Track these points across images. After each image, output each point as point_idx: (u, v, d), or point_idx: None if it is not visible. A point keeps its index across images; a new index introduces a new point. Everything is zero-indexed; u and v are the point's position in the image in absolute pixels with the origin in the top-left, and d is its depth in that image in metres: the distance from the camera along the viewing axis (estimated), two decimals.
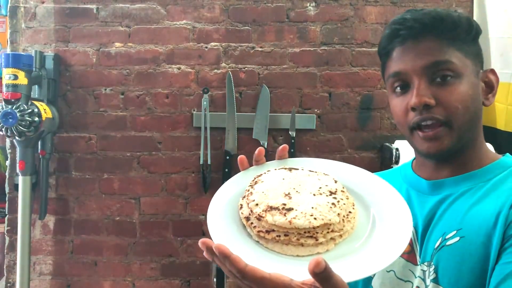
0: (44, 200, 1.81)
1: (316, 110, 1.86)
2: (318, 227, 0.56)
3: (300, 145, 1.84)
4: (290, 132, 1.83)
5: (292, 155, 1.81)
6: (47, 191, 1.84)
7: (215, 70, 1.86)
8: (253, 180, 0.66)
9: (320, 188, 0.63)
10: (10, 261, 1.86)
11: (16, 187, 1.79)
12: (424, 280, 0.72)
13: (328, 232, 0.57)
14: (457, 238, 0.69)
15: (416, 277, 0.74)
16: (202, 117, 1.83)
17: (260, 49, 1.86)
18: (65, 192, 1.88)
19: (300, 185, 0.63)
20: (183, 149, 1.87)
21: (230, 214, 0.62)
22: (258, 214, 0.58)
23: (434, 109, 0.71)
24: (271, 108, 1.84)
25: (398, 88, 0.76)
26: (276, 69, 1.85)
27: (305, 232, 0.56)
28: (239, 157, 0.71)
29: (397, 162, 1.69)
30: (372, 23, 1.85)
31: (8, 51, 1.86)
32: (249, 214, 0.60)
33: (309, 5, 1.85)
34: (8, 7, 1.86)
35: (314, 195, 0.61)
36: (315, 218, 0.56)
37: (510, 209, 0.66)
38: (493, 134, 1.71)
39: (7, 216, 1.86)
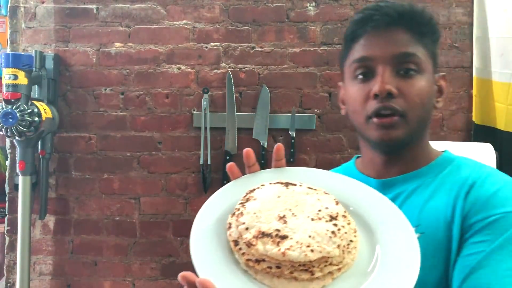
0: (44, 200, 1.81)
1: (316, 110, 1.86)
2: (314, 260, 0.50)
3: (300, 145, 1.84)
4: (290, 132, 1.83)
5: (292, 155, 1.81)
6: (47, 191, 1.84)
7: (215, 70, 1.86)
8: (245, 196, 0.59)
9: (319, 211, 0.56)
10: (10, 261, 1.86)
11: (16, 187, 1.79)
12: None
13: (325, 266, 0.51)
14: (417, 235, 0.67)
15: None
16: (202, 117, 1.83)
17: (260, 49, 1.86)
18: (65, 192, 1.88)
19: (297, 205, 0.57)
20: (183, 149, 1.87)
21: (216, 234, 0.56)
22: (249, 241, 0.52)
23: (395, 99, 0.71)
24: (271, 108, 1.84)
25: (360, 75, 0.75)
26: (276, 69, 1.85)
27: (299, 265, 0.50)
28: (228, 164, 0.65)
29: None
30: None
31: (8, 51, 1.86)
32: (238, 238, 0.53)
33: (309, 5, 1.85)
34: (8, 7, 1.86)
35: (312, 219, 0.55)
36: (311, 250, 0.50)
37: (464, 200, 0.67)
38: (493, 134, 1.71)
39: (7, 216, 1.86)
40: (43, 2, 1.87)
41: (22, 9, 1.87)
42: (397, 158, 0.76)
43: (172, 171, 1.87)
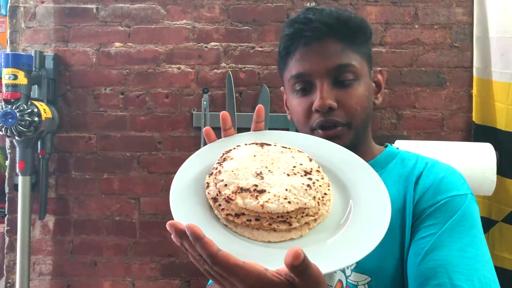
0: (44, 200, 1.81)
1: None
2: (292, 211, 0.52)
3: None
4: None
5: None
6: (47, 191, 1.84)
7: (215, 70, 1.86)
8: (221, 156, 0.61)
9: (294, 167, 0.59)
10: (10, 261, 1.86)
11: (16, 187, 1.79)
12: (343, 271, 0.74)
13: (302, 217, 0.53)
14: None
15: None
16: (202, 117, 1.83)
17: (260, 49, 1.86)
18: (65, 192, 1.88)
19: (273, 163, 0.59)
20: (183, 149, 1.87)
21: (195, 193, 0.57)
22: (228, 196, 0.53)
23: (336, 112, 0.74)
24: (271, 108, 1.84)
25: (300, 90, 0.77)
26: (276, 69, 1.85)
27: (278, 217, 0.52)
28: (205, 128, 0.68)
29: None
30: (372, 23, 1.85)
31: (8, 51, 1.86)
32: (217, 195, 0.55)
33: (309, 5, 1.85)
34: (8, 7, 1.86)
35: (288, 175, 0.57)
36: (289, 202, 0.52)
37: (414, 190, 0.73)
38: (493, 134, 1.71)
39: (7, 216, 1.86)
40: (43, 2, 1.87)
41: (22, 9, 1.87)
42: None
43: (172, 171, 1.86)
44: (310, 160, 0.61)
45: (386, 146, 0.86)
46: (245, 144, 0.64)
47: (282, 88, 0.89)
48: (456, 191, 0.71)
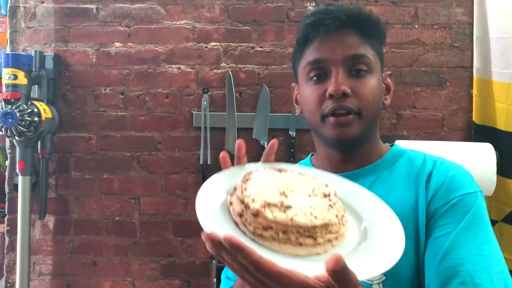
0: (43, 200, 1.81)
1: None
2: (318, 226, 0.54)
3: (300, 145, 1.84)
4: (290, 132, 1.82)
5: (292, 155, 1.81)
6: (47, 191, 1.84)
7: (215, 70, 1.86)
8: (244, 177, 0.63)
9: (313, 189, 0.61)
10: (10, 261, 1.86)
11: (15, 187, 1.79)
12: None
13: (326, 233, 0.56)
14: None
15: None
16: (202, 117, 1.83)
17: (260, 49, 1.86)
18: (65, 192, 1.88)
19: (294, 185, 0.61)
20: (183, 149, 1.87)
21: (219, 211, 0.59)
22: (256, 210, 0.54)
23: (349, 99, 0.75)
24: (271, 108, 1.84)
25: (315, 77, 0.79)
26: (276, 69, 1.85)
27: (304, 231, 0.54)
28: (222, 154, 0.69)
29: None
30: None
31: (8, 51, 1.86)
32: (242, 211, 0.56)
33: (309, 5, 1.85)
34: (8, 7, 1.86)
35: (309, 195, 0.60)
36: (315, 217, 0.55)
37: (426, 189, 0.75)
38: (493, 134, 1.71)
39: (7, 216, 1.86)
40: (43, 2, 1.87)
41: (22, 9, 1.87)
42: (352, 154, 0.81)
43: (172, 171, 1.87)
44: (326, 186, 0.64)
45: (392, 145, 0.87)
46: (264, 169, 0.66)
47: (293, 84, 0.90)
48: (466, 189, 0.73)
